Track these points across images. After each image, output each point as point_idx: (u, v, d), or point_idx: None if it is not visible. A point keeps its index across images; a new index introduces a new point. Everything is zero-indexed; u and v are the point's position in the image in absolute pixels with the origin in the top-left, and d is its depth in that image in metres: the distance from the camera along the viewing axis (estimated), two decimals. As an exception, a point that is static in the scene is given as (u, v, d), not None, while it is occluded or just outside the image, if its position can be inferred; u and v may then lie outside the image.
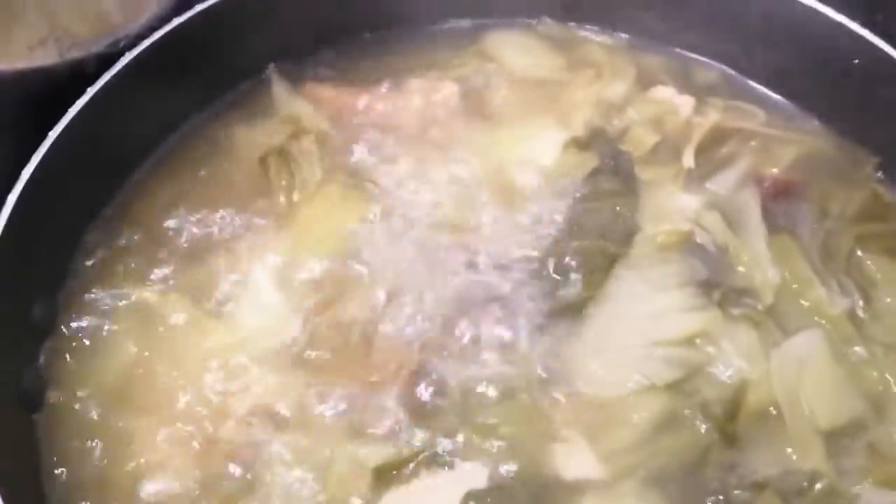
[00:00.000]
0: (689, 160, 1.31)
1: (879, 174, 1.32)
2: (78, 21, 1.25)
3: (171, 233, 1.23)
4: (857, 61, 1.27)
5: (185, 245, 1.22)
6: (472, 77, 1.41)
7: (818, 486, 1.04)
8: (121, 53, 1.21)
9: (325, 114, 1.35)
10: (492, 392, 1.10)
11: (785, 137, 1.35)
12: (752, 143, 1.34)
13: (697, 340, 1.13)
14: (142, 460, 1.06)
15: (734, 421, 1.08)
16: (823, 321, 1.16)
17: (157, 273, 1.20)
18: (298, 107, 1.36)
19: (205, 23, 1.27)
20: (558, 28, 1.49)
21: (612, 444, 1.07)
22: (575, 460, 1.06)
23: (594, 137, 1.34)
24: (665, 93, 1.39)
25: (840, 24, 1.27)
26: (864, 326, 1.16)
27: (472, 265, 1.20)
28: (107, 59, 1.21)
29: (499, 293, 1.17)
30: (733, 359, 1.12)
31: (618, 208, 1.25)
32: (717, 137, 1.34)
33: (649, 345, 1.12)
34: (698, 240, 1.23)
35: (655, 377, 1.10)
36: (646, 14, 1.45)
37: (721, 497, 1.04)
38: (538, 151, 1.32)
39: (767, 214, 1.25)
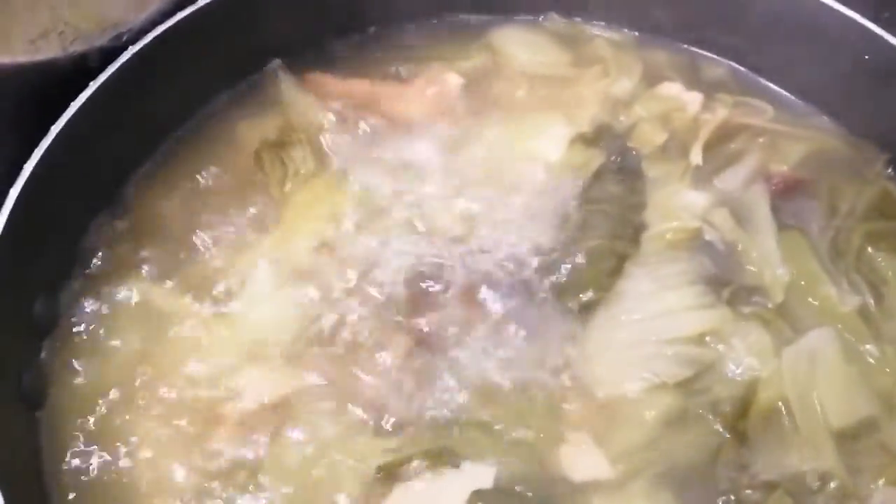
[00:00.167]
0: (697, 157, 1.30)
1: (890, 171, 1.31)
2: (81, 15, 1.24)
3: (173, 230, 1.23)
4: (867, 57, 1.27)
5: (187, 242, 1.22)
6: (478, 72, 1.40)
7: (830, 485, 1.03)
8: (124, 47, 1.20)
9: (330, 107, 1.33)
10: (499, 391, 1.09)
11: (794, 134, 1.35)
12: (761, 140, 1.33)
13: (707, 338, 1.12)
14: (143, 458, 1.05)
15: (745, 419, 1.08)
16: (834, 319, 1.15)
17: (159, 270, 1.19)
18: (304, 101, 1.34)
19: (208, 17, 1.26)
20: (565, 24, 1.48)
21: (621, 444, 1.06)
22: (583, 460, 1.05)
23: (601, 134, 1.33)
24: (672, 89, 1.39)
25: (851, 20, 1.26)
26: (875, 324, 1.16)
27: (477, 262, 1.19)
28: (110, 53, 1.20)
29: (504, 291, 1.16)
30: (744, 357, 1.11)
31: (625, 206, 1.24)
32: (725, 134, 1.33)
33: (659, 343, 1.11)
34: (707, 237, 1.22)
35: (665, 375, 1.09)
36: (653, 9, 1.44)
37: (732, 497, 1.03)
38: (545, 147, 1.31)
39: (776, 212, 1.24)
